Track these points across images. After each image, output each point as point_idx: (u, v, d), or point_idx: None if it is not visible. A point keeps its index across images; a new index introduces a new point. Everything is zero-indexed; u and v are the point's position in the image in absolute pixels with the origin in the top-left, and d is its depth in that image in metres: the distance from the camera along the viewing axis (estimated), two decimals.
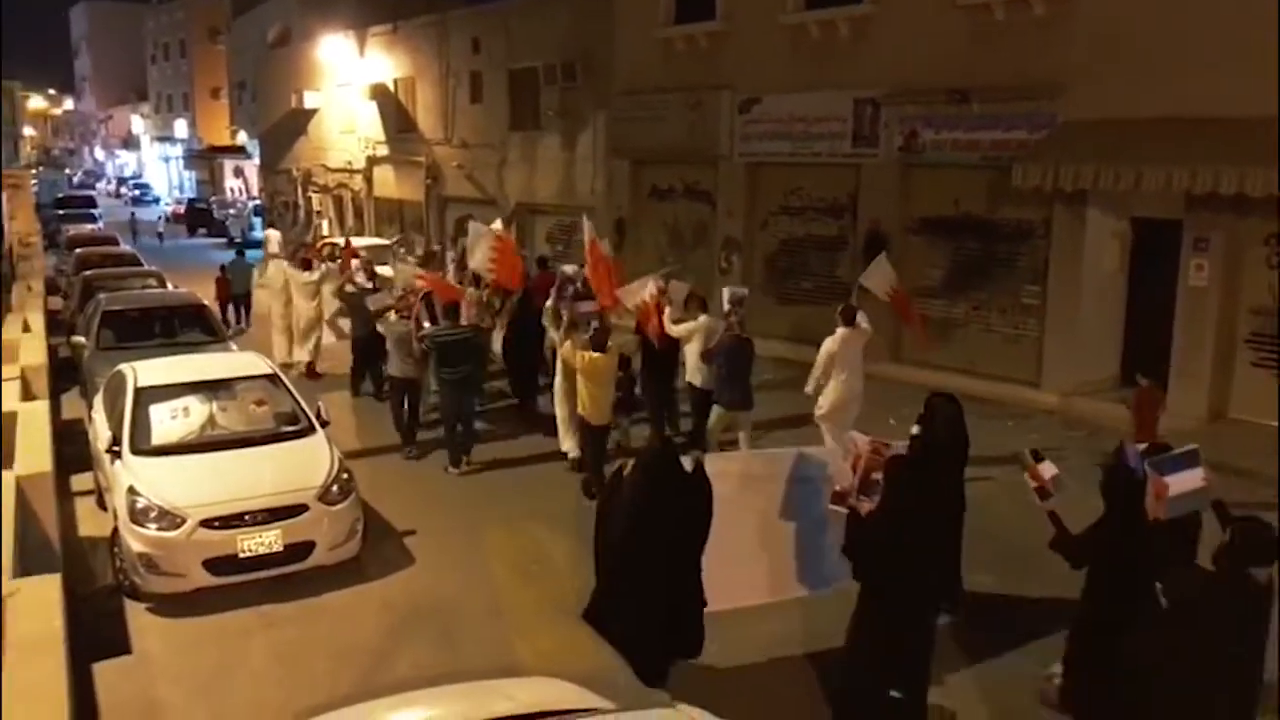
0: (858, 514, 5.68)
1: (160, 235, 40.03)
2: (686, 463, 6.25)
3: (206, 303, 14.71)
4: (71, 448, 10.27)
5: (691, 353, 10.85)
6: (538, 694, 4.45)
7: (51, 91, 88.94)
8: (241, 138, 47.56)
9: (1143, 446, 5.82)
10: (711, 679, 6.31)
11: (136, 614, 7.50)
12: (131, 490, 7.65)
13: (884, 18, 14.44)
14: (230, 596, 7.53)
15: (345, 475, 8.27)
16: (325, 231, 27.58)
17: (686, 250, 18.64)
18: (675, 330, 10.87)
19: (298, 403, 9.07)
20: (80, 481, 9.85)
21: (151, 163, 70.94)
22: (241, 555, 7.56)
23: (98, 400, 9.65)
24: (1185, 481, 5.32)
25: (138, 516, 7.50)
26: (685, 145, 17.75)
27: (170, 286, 16.94)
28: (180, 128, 61.76)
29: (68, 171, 77.40)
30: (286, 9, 36.48)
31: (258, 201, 40.26)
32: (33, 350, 12.68)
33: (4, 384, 10.37)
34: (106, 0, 75.62)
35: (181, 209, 46.75)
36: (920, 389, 7.77)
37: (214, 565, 7.50)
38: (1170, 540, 5.32)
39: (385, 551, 8.60)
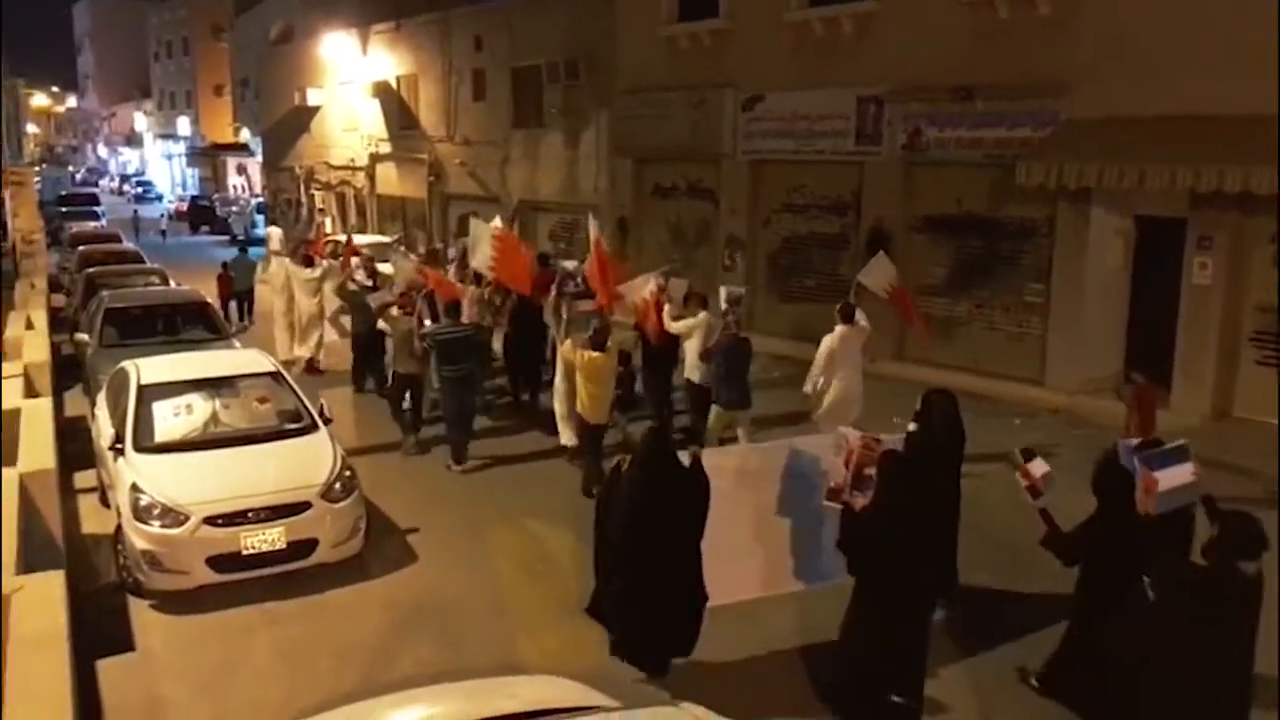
0: (852, 509, 5.69)
1: (163, 233, 40.06)
2: (684, 458, 6.26)
3: (209, 300, 14.74)
4: (75, 445, 10.28)
5: (691, 349, 10.87)
6: (541, 692, 4.44)
7: (54, 89, 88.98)
8: (244, 135, 47.60)
9: (1135, 442, 5.84)
10: (709, 674, 6.32)
11: (140, 611, 7.51)
12: (135, 487, 7.66)
13: (887, 15, 14.42)
14: (233, 594, 7.53)
15: (348, 473, 8.28)
16: (328, 229, 27.57)
17: (689, 248, 18.63)
18: (675, 327, 10.88)
19: (301, 400, 9.07)
20: (83, 479, 9.86)
21: (154, 160, 71.01)
22: (244, 552, 7.56)
23: (101, 397, 9.66)
24: (1175, 476, 5.34)
25: (141, 514, 7.51)
26: (688, 143, 17.73)
27: (173, 284, 16.94)
28: (183, 125, 61.81)
29: (71, 169, 77.45)
30: (289, 6, 36.48)
31: (260, 199, 40.29)
32: (36, 347, 12.69)
33: (7, 381, 10.37)
34: None
35: (184, 206, 46.76)
36: (923, 387, 7.76)
37: (217, 562, 7.51)
38: (1162, 535, 5.35)
39: (388, 549, 8.60)
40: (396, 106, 28.25)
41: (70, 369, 13.95)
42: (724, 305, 10.73)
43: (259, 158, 42.89)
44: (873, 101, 14.73)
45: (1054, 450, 9.60)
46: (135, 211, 43.97)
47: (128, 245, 24.33)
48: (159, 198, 57.91)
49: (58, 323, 17.00)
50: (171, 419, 8.53)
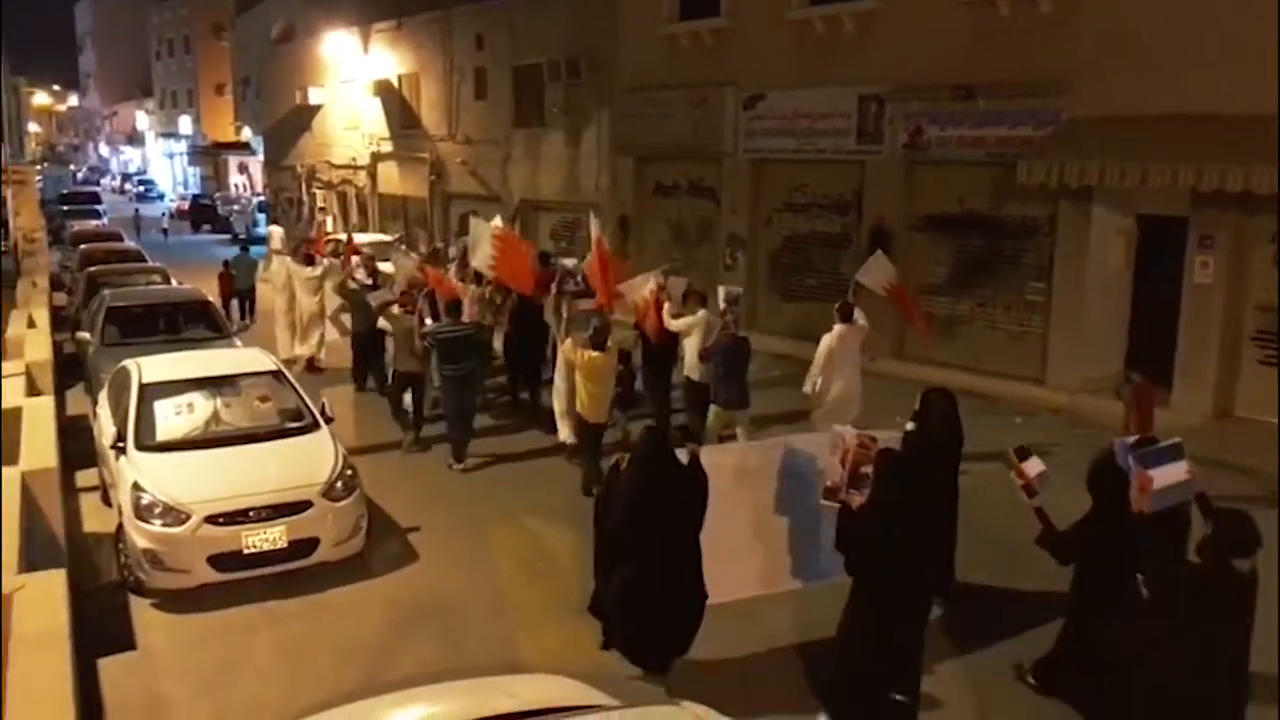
0: (848, 508, 5.70)
1: (165, 231, 40.09)
2: (682, 455, 6.27)
3: (211, 299, 14.75)
4: (76, 444, 10.28)
5: (690, 347, 10.88)
6: (541, 691, 4.44)
7: (56, 87, 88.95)
8: (246, 134, 47.60)
9: (1131, 440, 5.85)
10: (707, 672, 6.32)
11: (141, 610, 7.51)
12: (136, 486, 7.66)
13: (889, 14, 14.41)
14: (235, 592, 7.53)
15: (349, 471, 8.28)
16: (330, 228, 27.59)
17: (691, 247, 18.63)
18: (675, 324, 10.90)
19: (302, 399, 9.07)
20: (85, 477, 9.87)
21: (156, 159, 71.06)
22: (246, 551, 7.57)
23: (102, 396, 9.67)
24: (1169, 474, 5.35)
25: (142, 512, 7.52)
26: (690, 142, 17.73)
27: (174, 283, 16.96)
28: (185, 124, 61.82)
29: (72, 167, 77.50)
30: (290, 5, 36.48)
31: (262, 198, 40.29)
32: (37, 346, 12.69)
33: (9, 380, 10.38)
34: None
35: (186, 205, 46.79)
36: (924, 386, 7.76)
37: (218, 561, 7.52)
38: (1157, 534, 5.36)
39: (389, 548, 8.61)
40: (398, 105, 28.25)
41: (72, 368, 13.97)
42: (722, 305, 10.74)
43: (260, 156, 42.90)
44: (874, 100, 14.72)
45: (1053, 450, 9.63)
46: (137, 210, 44.02)
47: (129, 244, 24.36)
48: (160, 196, 57.98)
49: (59, 321, 17.03)
50: (173, 418, 8.54)
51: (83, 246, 22.15)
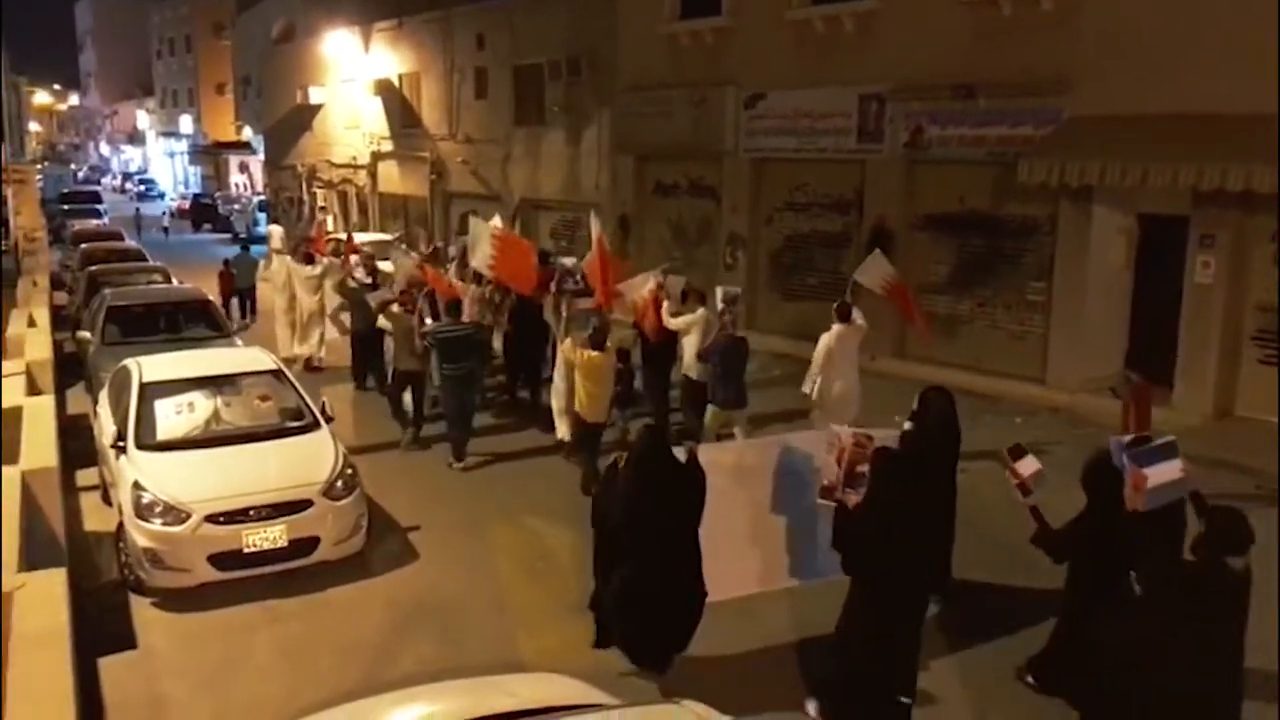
0: (845, 507, 5.70)
1: (165, 230, 40.10)
2: (679, 453, 6.27)
3: (211, 298, 14.75)
4: (77, 443, 10.29)
5: (689, 346, 10.89)
6: (541, 689, 4.45)
7: (57, 87, 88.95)
8: (246, 133, 47.63)
9: (1127, 439, 5.86)
10: (705, 669, 6.32)
11: (141, 609, 7.51)
12: (137, 485, 7.66)
13: (889, 13, 14.40)
14: (235, 591, 7.53)
15: (350, 470, 8.28)
16: (330, 227, 27.62)
17: (691, 246, 18.63)
18: (674, 323, 10.92)
19: (302, 398, 9.07)
20: (85, 476, 9.87)
21: (156, 158, 71.07)
22: (246, 550, 7.57)
23: (103, 395, 9.67)
24: (1164, 473, 5.36)
25: (143, 511, 7.52)
26: (690, 141, 17.72)
27: (175, 282, 16.96)
28: (185, 123, 61.83)
29: (73, 167, 77.49)
30: (291, 5, 36.49)
31: (262, 197, 40.31)
32: (38, 345, 12.69)
33: (9, 379, 10.38)
34: None
35: (186, 204, 46.82)
36: (925, 385, 7.76)
37: (219, 560, 7.52)
38: (1151, 532, 5.37)
39: (389, 547, 8.61)
40: (398, 104, 28.26)
41: (72, 367, 13.97)
42: (720, 305, 10.76)
43: (261, 156, 42.92)
44: (875, 99, 14.72)
45: (1052, 449, 9.65)
46: (137, 209, 44.01)
47: (130, 243, 24.36)
48: (161, 196, 58.02)
49: (60, 320, 17.04)
50: (173, 417, 8.54)
51: (83, 246, 22.15)
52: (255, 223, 36.31)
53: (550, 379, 11.85)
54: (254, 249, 22.65)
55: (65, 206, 39.11)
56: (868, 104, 14.83)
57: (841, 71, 15.04)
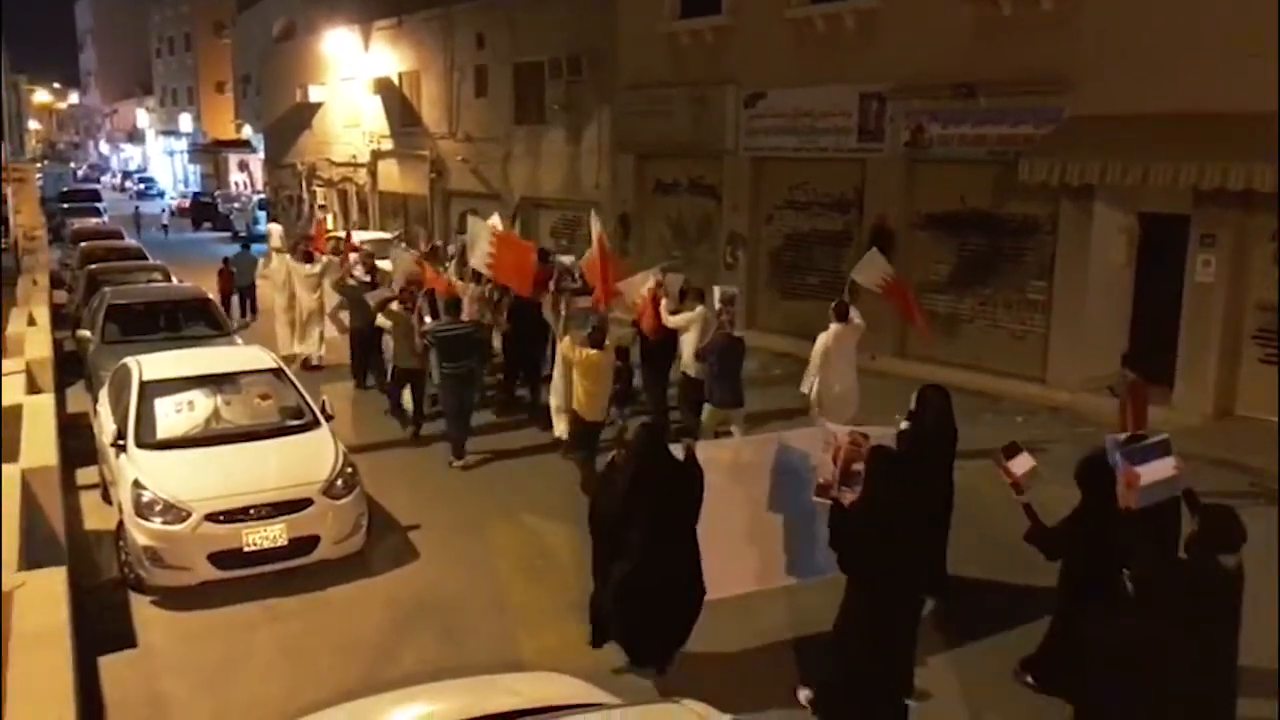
0: (841, 505, 5.70)
1: (165, 229, 40.05)
2: (677, 451, 6.26)
3: (211, 296, 14.74)
4: (77, 441, 10.28)
5: (688, 344, 10.89)
6: (542, 689, 4.44)
7: (56, 85, 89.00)
8: (246, 132, 47.63)
9: (1123, 437, 5.86)
10: (703, 667, 6.33)
11: (141, 607, 7.51)
12: (137, 484, 7.66)
13: (890, 12, 14.40)
14: (235, 590, 7.53)
15: (350, 469, 8.28)
16: (330, 225, 27.62)
17: (691, 245, 18.63)
18: (672, 321, 10.93)
19: (302, 396, 9.07)
20: (85, 475, 9.87)
21: (156, 157, 71.03)
22: (246, 549, 7.56)
23: (103, 394, 9.66)
24: (1157, 470, 5.36)
25: (143, 510, 7.51)
26: (690, 140, 17.72)
27: (175, 280, 16.95)
28: (185, 122, 61.82)
29: (72, 165, 77.50)
30: (291, 3, 36.49)
31: (262, 195, 40.29)
32: (38, 344, 12.69)
33: (9, 377, 10.38)
34: None
35: (186, 203, 46.79)
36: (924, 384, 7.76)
37: (219, 559, 7.51)
38: (1144, 530, 5.36)
39: (389, 546, 8.61)
40: (398, 103, 28.26)
41: (72, 365, 13.96)
42: (718, 305, 10.77)
43: (261, 154, 42.92)
44: (875, 98, 14.71)
45: (1052, 447, 9.65)
46: (137, 208, 43.95)
47: (130, 242, 24.33)
48: (161, 194, 57.95)
49: (60, 319, 17.02)
50: (173, 415, 8.53)
51: (83, 244, 22.12)
52: (255, 221, 36.27)
53: (549, 377, 11.85)
54: (254, 247, 22.64)
55: (65, 205, 39.05)
56: (868, 103, 14.83)
57: (842, 70, 15.03)
